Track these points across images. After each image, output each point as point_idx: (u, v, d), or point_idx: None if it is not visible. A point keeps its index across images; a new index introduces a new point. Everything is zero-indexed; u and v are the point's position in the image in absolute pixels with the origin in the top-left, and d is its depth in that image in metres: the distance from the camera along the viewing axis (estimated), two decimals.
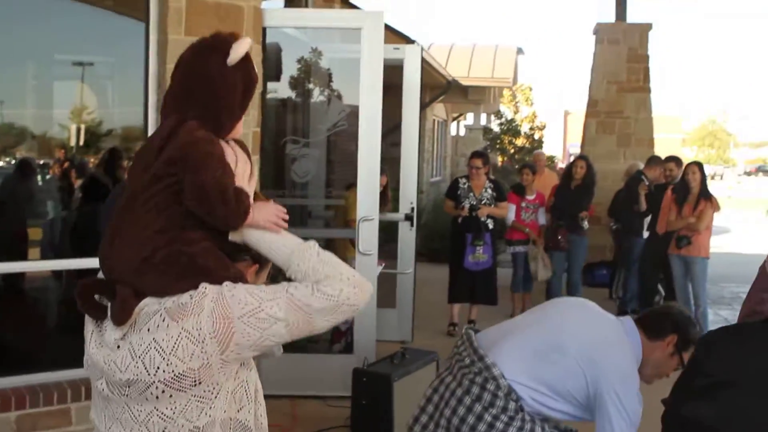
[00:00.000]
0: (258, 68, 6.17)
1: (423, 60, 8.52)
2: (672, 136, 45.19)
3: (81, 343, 1.96)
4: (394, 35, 11.92)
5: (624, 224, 10.08)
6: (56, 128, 6.35)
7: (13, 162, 6.53)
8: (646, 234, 9.58)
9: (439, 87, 17.22)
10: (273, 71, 7.33)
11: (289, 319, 1.80)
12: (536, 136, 21.19)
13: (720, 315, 10.36)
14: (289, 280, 1.89)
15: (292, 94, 9.58)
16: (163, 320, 1.78)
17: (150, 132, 5.74)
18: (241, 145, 2.02)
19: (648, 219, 9.54)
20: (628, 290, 9.83)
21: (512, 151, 20.27)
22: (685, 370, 2.04)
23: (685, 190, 8.49)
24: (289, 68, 8.89)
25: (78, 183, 6.48)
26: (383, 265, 7.41)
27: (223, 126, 1.96)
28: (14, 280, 5.78)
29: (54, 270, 5.93)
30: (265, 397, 2.09)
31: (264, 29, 6.15)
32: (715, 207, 8.33)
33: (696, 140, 74.55)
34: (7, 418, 4.87)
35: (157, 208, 1.87)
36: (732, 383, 1.83)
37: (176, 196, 1.86)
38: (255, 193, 2.02)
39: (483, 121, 24.01)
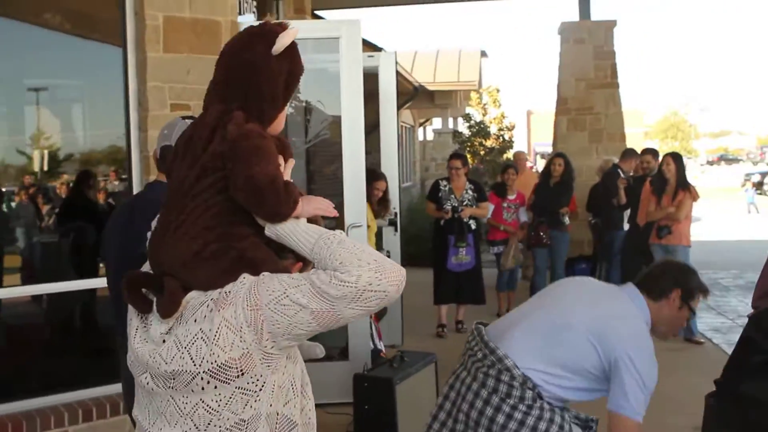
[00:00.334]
0: None
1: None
2: (634, 130, 45.58)
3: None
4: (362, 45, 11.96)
5: (604, 218, 10.21)
6: (17, 154, 6.28)
7: None
8: (626, 227, 9.72)
9: (406, 93, 17.30)
10: None
11: (313, 307, 1.75)
12: (506, 137, 21.28)
13: (701, 301, 10.48)
14: None
15: None
16: (210, 311, 1.78)
17: (133, 151, 5.74)
18: (281, 143, 1.99)
19: (628, 212, 9.67)
20: (610, 282, 9.91)
21: (482, 152, 20.35)
22: (737, 349, 2.07)
23: (662, 181, 8.63)
24: None
25: (46, 208, 6.39)
26: None
27: (265, 115, 1.94)
28: None
29: (34, 294, 5.88)
30: None
31: None
32: (694, 196, 8.47)
33: (658, 133, 75.44)
34: None
35: (207, 204, 1.87)
36: None
37: (225, 191, 1.86)
38: None
39: (451, 125, 24.13)
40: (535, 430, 3.11)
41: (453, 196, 8.77)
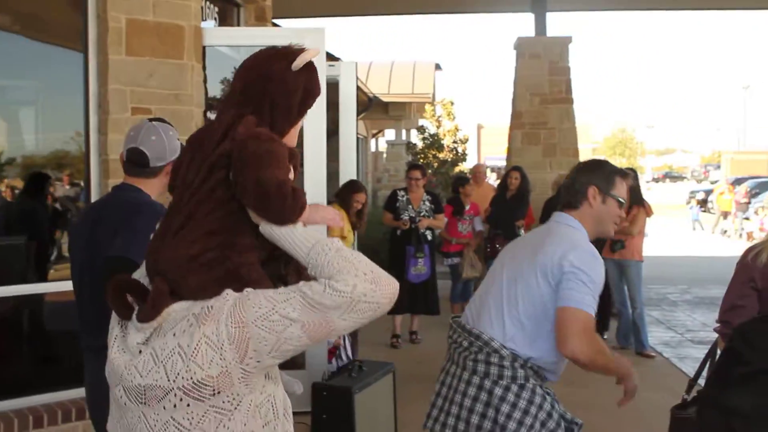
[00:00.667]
0: (200, 89, 6.15)
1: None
2: (583, 146, 46.21)
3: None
4: None
5: None
6: None
7: None
8: None
9: (361, 104, 17.28)
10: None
11: (304, 320, 1.72)
12: (459, 150, 21.43)
13: (651, 315, 10.67)
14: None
15: None
16: (191, 326, 1.75)
17: (92, 155, 5.67)
18: (291, 152, 1.96)
19: None
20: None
21: (436, 164, 20.45)
22: (722, 360, 2.09)
23: None
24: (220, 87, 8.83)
25: None
26: None
27: (277, 125, 1.93)
28: None
29: None
30: None
31: (204, 48, 6.12)
32: (648, 212, 8.62)
33: (606, 149, 76.53)
34: None
35: (211, 207, 1.85)
36: None
37: (231, 193, 1.84)
38: None
39: (404, 137, 24.21)
40: (527, 413, 3.10)
41: (410, 206, 8.80)
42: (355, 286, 1.73)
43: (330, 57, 12.36)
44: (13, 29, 6.08)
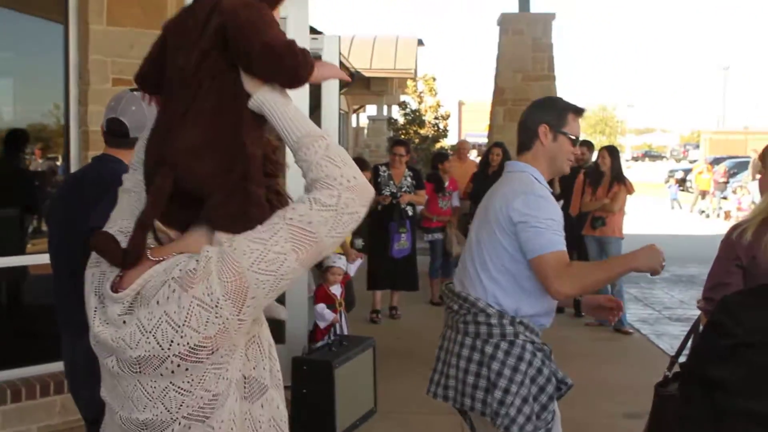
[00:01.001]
0: None
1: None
2: None
3: None
4: None
5: None
6: None
7: None
8: None
9: (342, 79, 17.21)
10: None
11: (297, 249, 1.68)
12: (441, 126, 21.42)
13: (629, 293, 10.75)
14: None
15: None
16: (173, 291, 1.67)
17: (72, 126, 5.60)
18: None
19: (561, 202, 9.81)
20: None
21: (417, 140, 20.43)
22: (705, 333, 2.10)
23: (597, 173, 8.80)
24: None
25: None
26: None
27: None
28: None
29: None
30: None
31: None
32: (629, 189, 8.66)
33: (587, 127, 76.68)
34: None
35: (211, 91, 1.78)
36: (755, 344, 1.90)
37: (228, 71, 1.78)
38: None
39: (386, 112, 24.16)
40: (516, 370, 3.13)
41: (392, 182, 8.79)
42: (339, 197, 1.70)
43: (313, 30, 12.27)
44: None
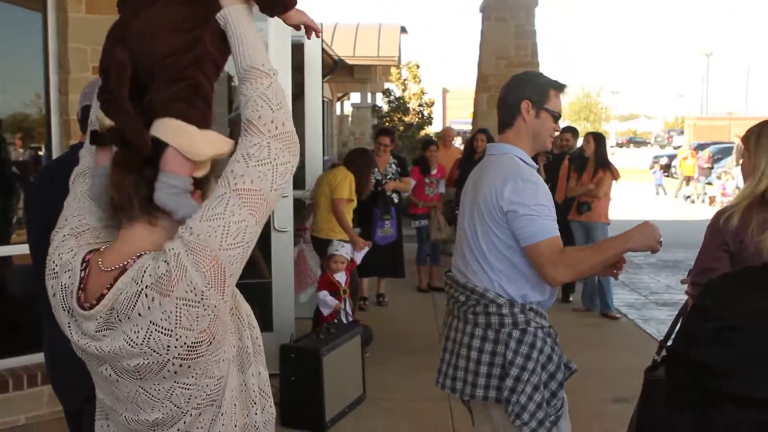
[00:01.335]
0: None
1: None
2: None
3: None
4: None
5: None
6: None
7: None
8: None
9: (326, 66, 17.12)
10: None
11: (252, 211, 1.70)
12: (425, 113, 21.40)
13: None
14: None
15: None
16: (153, 300, 1.63)
17: (53, 115, 5.55)
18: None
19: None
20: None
21: (402, 128, 20.40)
22: (690, 317, 2.09)
23: (582, 159, 8.81)
24: None
25: None
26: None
27: None
28: None
29: None
30: None
31: None
32: (615, 175, 8.67)
33: (571, 114, 76.78)
34: None
35: None
36: (740, 327, 1.89)
37: None
38: None
39: (370, 100, 24.10)
40: (529, 358, 3.11)
41: (377, 169, 8.76)
42: (269, 147, 1.72)
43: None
44: None
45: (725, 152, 28.82)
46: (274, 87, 1.77)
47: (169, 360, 1.67)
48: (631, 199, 24.44)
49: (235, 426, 1.82)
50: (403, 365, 6.87)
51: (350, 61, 20.27)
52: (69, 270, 1.76)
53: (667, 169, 34.46)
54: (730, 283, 2.04)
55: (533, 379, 3.11)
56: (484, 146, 9.63)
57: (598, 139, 8.90)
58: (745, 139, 3.08)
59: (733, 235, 2.86)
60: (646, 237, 3.00)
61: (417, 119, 21.16)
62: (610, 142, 70.13)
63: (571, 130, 10.13)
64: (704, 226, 3.15)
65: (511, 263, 3.12)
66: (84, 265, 1.75)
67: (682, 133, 59.03)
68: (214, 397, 1.77)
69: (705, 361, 1.90)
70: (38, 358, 5.22)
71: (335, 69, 17.70)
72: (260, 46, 1.80)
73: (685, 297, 3.38)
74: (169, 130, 1.76)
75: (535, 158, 3.54)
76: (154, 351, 1.65)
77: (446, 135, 11.92)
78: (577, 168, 8.81)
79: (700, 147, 32.08)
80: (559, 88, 3.32)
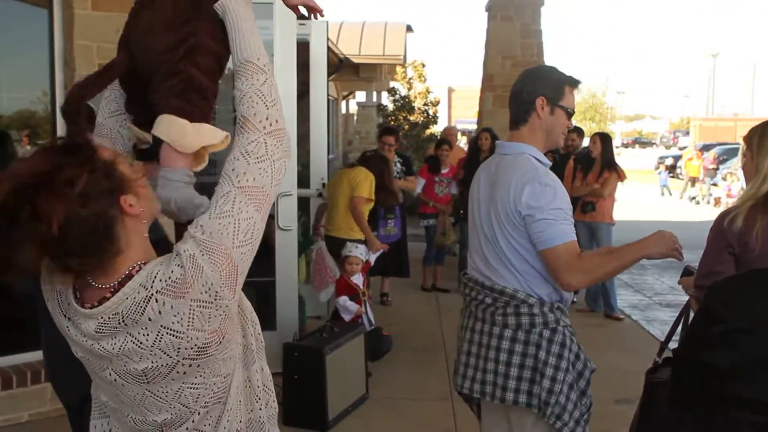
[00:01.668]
0: None
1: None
2: None
3: None
4: None
5: None
6: None
7: None
8: None
9: (331, 65, 17.10)
10: None
11: (258, 208, 1.72)
12: (430, 112, 21.37)
13: (620, 279, 10.76)
14: None
15: None
16: (163, 305, 1.62)
17: (59, 112, 5.55)
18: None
19: None
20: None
21: (407, 127, 20.38)
22: (697, 320, 2.08)
23: (588, 159, 8.80)
24: None
25: None
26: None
27: None
28: None
29: None
30: None
31: None
32: (621, 176, 8.65)
33: (577, 114, 76.25)
34: None
35: None
36: (747, 329, 1.89)
37: None
38: None
39: (375, 98, 24.08)
40: (561, 357, 3.07)
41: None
42: (265, 144, 1.74)
43: (300, 16, 12.22)
44: None
45: (731, 153, 28.73)
46: (269, 83, 1.80)
47: (178, 362, 1.67)
48: (636, 199, 24.41)
49: (240, 421, 1.83)
50: (407, 364, 6.87)
51: (356, 60, 20.25)
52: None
53: (672, 169, 34.37)
54: (736, 285, 2.04)
55: (568, 378, 3.08)
56: (489, 144, 9.64)
57: (605, 139, 8.88)
58: (747, 139, 3.05)
59: (737, 237, 2.85)
60: (662, 244, 2.99)
61: (422, 118, 21.13)
62: (615, 143, 70.08)
63: (577, 131, 10.11)
64: (709, 227, 3.13)
65: (531, 265, 3.09)
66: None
67: (687, 133, 58.90)
68: (221, 395, 1.78)
69: (712, 364, 1.90)
70: (42, 355, 5.24)
71: (340, 67, 17.68)
72: (256, 38, 1.82)
73: (687, 298, 3.37)
74: (161, 125, 1.81)
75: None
76: (164, 353, 1.65)
77: (448, 134, 11.89)
78: (583, 168, 8.80)
79: (706, 148, 32.01)
80: (574, 84, 3.27)
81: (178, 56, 1.81)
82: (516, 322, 3.11)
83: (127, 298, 1.64)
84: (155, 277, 1.64)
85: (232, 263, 1.66)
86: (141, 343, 1.65)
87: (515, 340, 3.11)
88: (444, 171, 9.91)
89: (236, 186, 1.70)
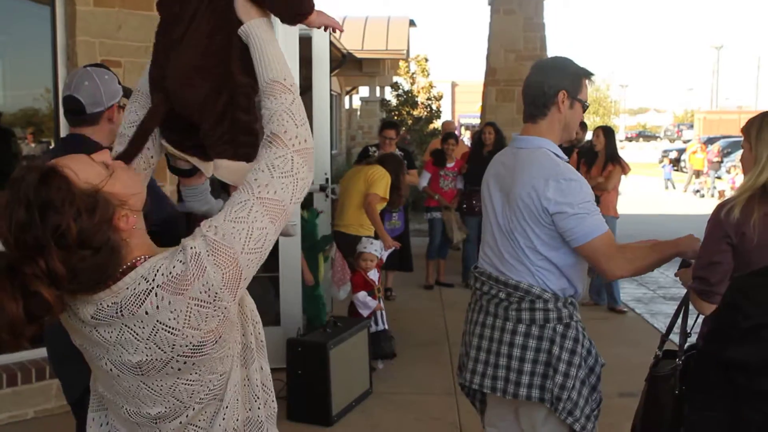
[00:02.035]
0: None
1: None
2: None
3: None
4: None
5: None
6: None
7: None
8: None
9: (334, 60, 17.08)
10: None
11: (273, 220, 1.72)
12: (434, 107, 21.38)
13: None
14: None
15: None
16: (162, 299, 1.62)
17: (61, 108, 5.54)
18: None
19: None
20: None
21: (410, 121, 20.38)
22: (722, 316, 2.07)
23: (591, 153, 8.79)
24: None
25: None
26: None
27: None
28: None
29: None
30: None
31: None
32: (624, 169, 8.64)
33: None
34: None
35: (205, 12, 1.85)
36: None
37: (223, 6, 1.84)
38: None
39: (378, 93, 24.10)
40: (574, 352, 3.07)
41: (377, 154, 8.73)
42: (292, 161, 1.74)
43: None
44: None
45: (735, 146, 28.66)
46: (297, 102, 1.81)
47: (172, 358, 1.67)
48: (641, 193, 24.38)
49: (237, 420, 1.83)
50: (410, 359, 6.87)
51: (359, 55, 20.28)
52: None
53: (676, 163, 34.31)
54: (760, 279, 2.03)
55: (580, 374, 3.08)
56: (492, 139, 9.63)
57: (608, 133, 8.86)
58: (746, 130, 3.04)
59: (735, 227, 2.84)
60: (695, 245, 3.02)
61: (425, 113, 21.14)
62: (619, 136, 70.08)
63: (581, 124, 10.09)
64: None
65: (550, 261, 3.09)
66: None
67: (691, 126, 58.82)
68: (217, 392, 1.78)
69: (739, 359, 1.90)
70: (45, 351, 5.26)
71: (343, 62, 17.69)
72: (282, 59, 1.84)
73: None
74: (222, 170, 1.90)
75: None
76: (159, 348, 1.65)
77: (446, 129, 11.85)
78: (587, 162, 8.79)
79: (710, 141, 31.94)
80: (590, 76, 3.25)
81: (220, 106, 1.86)
82: (530, 318, 3.10)
83: (127, 288, 1.65)
84: (158, 270, 1.64)
85: (237, 267, 1.66)
86: (137, 334, 1.65)
87: (528, 336, 3.10)
88: (449, 165, 9.89)
89: (256, 196, 1.70)
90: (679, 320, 3.22)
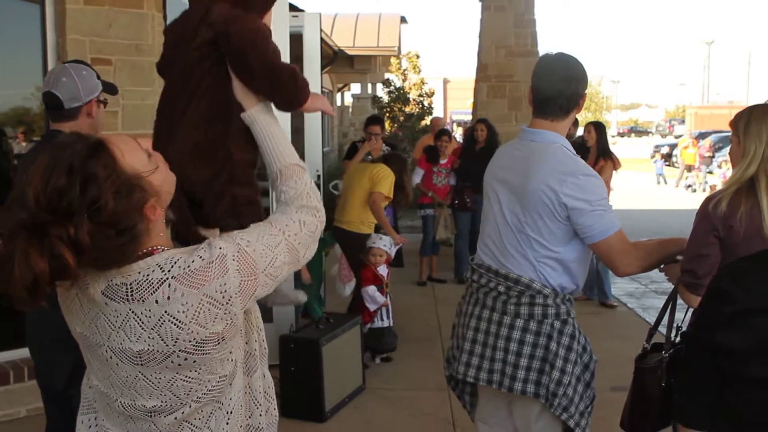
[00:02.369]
0: (161, 39, 6.08)
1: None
2: None
3: None
4: None
5: None
6: None
7: None
8: None
9: (325, 57, 17.08)
10: None
11: (290, 263, 1.82)
12: (425, 103, 21.39)
13: None
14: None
15: None
16: (174, 291, 1.63)
17: None
18: None
19: None
20: None
21: (402, 118, 20.39)
22: (709, 301, 2.09)
23: (583, 149, 8.80)
24: None
25: None
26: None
27: (254, 7, 1.96)
28: None
29: None
30: None
31: None
32: (616, 165, 8.66)
33: None
34: None
35: (204, 94, 1.91)
36: (762, 310, 1.90)
37: (221, 79, 1.90)
38: None
39: (370, 90, 24.09)
40: (570, 349, 3.09)
41: (370, 157, 8.73)
42: (315, 225, 1.91)
43: (293, 8, 12.18)
44: None
45: (726, 141, 28.66)
46: (312, 182, 1.99)
47: (174, 352, 1.68)
48: (633, 188, 24.43)
49: (240, 427, 1.85)
50: (403, 355, 6.88)
51: (350, 52, 20.27)
52: None
53: (668, 158, 34.41)
54: (749, 266, 2.04)
55: (576, 370, 3.10)
56: (485, 136, 9.64)
57: (599, 128, 8.88)
58: (734, 124, 3.04)
59: (722, 220, 2.86)
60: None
61: (417, 109, 21.14)
62: (611, 132, 70.14)
63: None
64: None
65: (556, 254, 3.10)
66: None
67: (683, 122, 58.92)
68: (215, 393, 1.78)
69: (726, 345, 1.91)
70: None
71: (335, 59, 17.68)
72: (287, 141, 1.98)
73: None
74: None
75: None
76: (162, 339, 1.66)
77: (435, 126, 11.84)
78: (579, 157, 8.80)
79: (702, 136, 32.08)
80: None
81: (220, 185, 1.97)
82: (528, 312, 3.11)
83: (139, 272, 1.66)
84: (175, 262, 1.66)
85: (255, 281, 1.73)
86: (142, 322, 1.65)
87: (526, 330, 3.11)
88: (442, 162, 9.90)
89: (285, 237, 1.83)
90: (667, 314, 3.23)
